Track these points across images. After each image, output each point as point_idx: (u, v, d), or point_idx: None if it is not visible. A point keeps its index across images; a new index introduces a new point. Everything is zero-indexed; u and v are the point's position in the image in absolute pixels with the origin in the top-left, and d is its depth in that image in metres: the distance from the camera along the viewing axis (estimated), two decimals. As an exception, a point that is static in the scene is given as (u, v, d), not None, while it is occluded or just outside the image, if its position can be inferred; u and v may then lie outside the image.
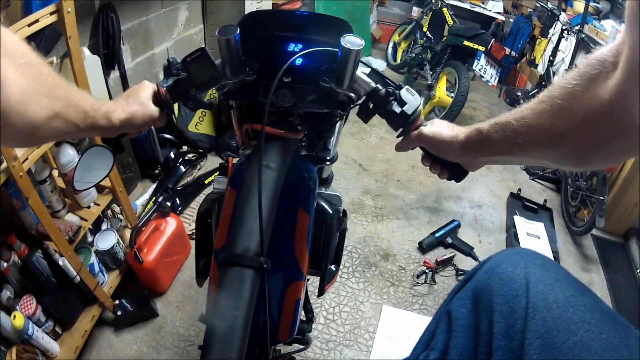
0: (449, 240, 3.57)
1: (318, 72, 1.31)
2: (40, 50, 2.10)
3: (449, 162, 1.29)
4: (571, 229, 3.95)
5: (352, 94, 1.30)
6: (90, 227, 2.60)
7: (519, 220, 3.88)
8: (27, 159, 1.88)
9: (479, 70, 5.51)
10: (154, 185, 3.65)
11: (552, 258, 3.31)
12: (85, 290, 2.44)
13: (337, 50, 1.20)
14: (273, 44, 1.36)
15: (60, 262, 2.25)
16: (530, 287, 1.08)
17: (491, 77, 5.50)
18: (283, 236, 1.35)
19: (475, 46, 5.01)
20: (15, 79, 0.74)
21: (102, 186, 2.62)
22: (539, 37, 6.26)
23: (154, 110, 1.25)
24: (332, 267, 1.76)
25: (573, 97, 0.82)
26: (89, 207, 2.53)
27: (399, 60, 6.81)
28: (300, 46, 1.31)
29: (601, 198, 3.48)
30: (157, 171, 3.79)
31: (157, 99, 1.28)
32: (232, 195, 1.37)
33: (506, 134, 1.01)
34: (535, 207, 4.12)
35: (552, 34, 5.75)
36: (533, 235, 3.73)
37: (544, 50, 6.01)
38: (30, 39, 1.82)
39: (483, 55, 5.41)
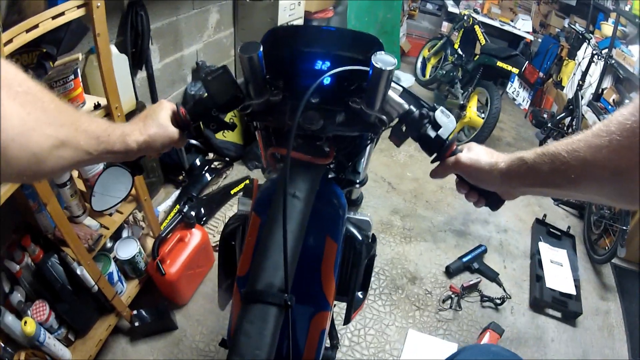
0: (476, 265, 3.50)
1: (347, 92, 1.25)
2: (64, 45, 2.01)
3: (485, 190, 1.20)
4: (592, 257, 3.91)
5: (384, 116, 1.22)
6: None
7: (543, 247, 3.82)
8: None
9: (512, 92, 5.43)
10: (177, 192, 3.59)
11: (574, 286, 3.42)
12: (102, 300, 2.36)
13: (368, 69, 1.12)
14: (299, 62, 1.28)
15: (79, 271, 2.17)
16: None
17: (523, 100, 5.46)
18: (309, 266, 1.30)
19: (510, 68, 4.92)
20: (12, 110, 0.67)
21: (122, 201, 2.48)
22: (567, 58, 6.14)
23: (173, 132, 1.17)
24: (360, 294, 1.71)
25: (632, 134, 0.75)
26: (110, 214, 2.43)
27: (428, 76, 6.71)
28: (327, 64, 1.25)
29: (624, 228, 3.46)
30: (181, 177, 3.72)
31: (176, 119, 1.20)
32: (256, 221, 1.34)
33: (555, 165, 0.91)
34: (559, 233, 4.06)
35: (583, 58, 5.61)
36: (556, 263, 3.67)
37: (573, 74, 5.89)
38: (52, 31, 1.69)
39: (517, 78, 5.31)
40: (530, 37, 6.64)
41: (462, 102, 5.29)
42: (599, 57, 4.87)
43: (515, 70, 4.92)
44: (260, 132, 1.50)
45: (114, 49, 2.72)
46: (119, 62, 2.73)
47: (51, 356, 2.12)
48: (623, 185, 0.80)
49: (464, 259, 3.51)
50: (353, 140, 1.49)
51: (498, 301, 3.24)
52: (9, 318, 1.92)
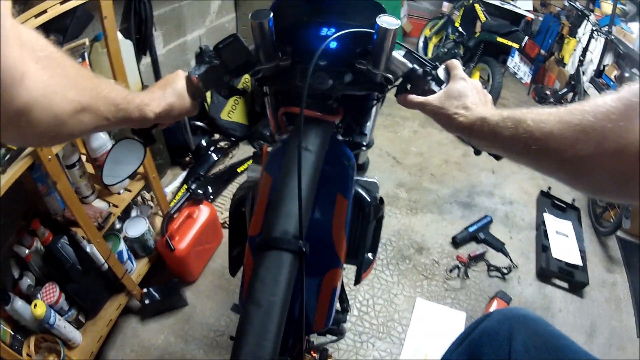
0: (482, 235, 3.49)
1: (353, 54, 1.27)
2: (69, 32, 2.04)
3: None
4: (597, 229, 3.88)
5: (390, 75, 1.25)
6: (120, 214, 2.49)
7: (548, 218, 3.80)
8: None
9: (513, 67, 5.42)
10: (184, 173, 3.60)
11: (580, 257, 3.40)
12: (112, 278, 2.37)
13: (373, 31, 1.14)
14: (306, 29, 1.31)
15: (88, 249, 2.18)
16: (513, 338, 1.17)
17: (524, 75, 5.42)
18: (321, 222, 1.30)
19: (510, 43, 4.91)
20: (36, 73, 0.67)
21: (134, 172, 2.47)
22: (568, 36, 6.11)
23: (190, 101, 1.21)
24: (369, 255, 1.72)
25: (607, 118, 0.73)
26: (119, 193, 2.43)
27: (430, 55, 6.65)
28: (333, 30, 1.27)
29: None
30: (187, 159, 3.72)
31: (190, 88, 1.22)
32: (268, 181, 1.34)
33: (518, 132, 0.88)
34: (564, 205, 4.03)
35: (582, 34, 5.60)
36: (562, 234, 3.65)
37: (573, 50, 5.87)
38: (58, 19, 1.69)
39: (517, 53, 5.29)
40: (531, 16, 6.60)
41: None
42: (599, 34, 4.85)
43: (515, 45, 4.91)
44: (270, 98, 1.52)
45: (119, 35, 2.70)
46: (124, 47, 2.68)
47: (61, 339, 2.12)
48: (585, 170, 0.78)
49: (470, 229, 3.51)
50: (360, 100, 1.52)
51: (505, 271, 3.23)
52: (19, 303, 1.92)
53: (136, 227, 2.56)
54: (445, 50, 5.90)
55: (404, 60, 1.22)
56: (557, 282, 3.27)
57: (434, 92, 1.17)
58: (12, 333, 1.93)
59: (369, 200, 1.54)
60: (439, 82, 1.17)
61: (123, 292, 2.48)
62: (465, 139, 1.09)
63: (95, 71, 2.32)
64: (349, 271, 2.68)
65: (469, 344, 1.33)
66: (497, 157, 1.16)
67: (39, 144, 1.34)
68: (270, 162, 1.39)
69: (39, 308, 1.92)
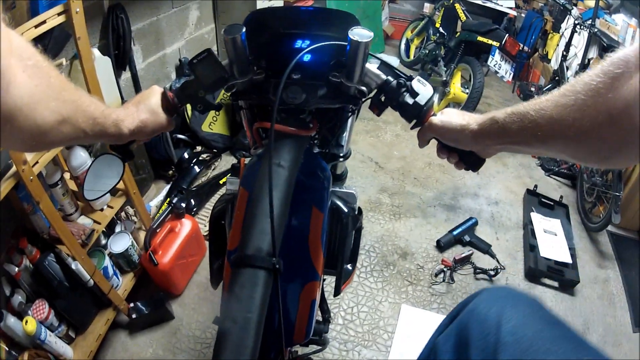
0: (467, 238, 3.54)
1: (327, 67, 1.29)
2: (48, 52, 2.09)
3: (464, 152, 1.25)
4: (587, 225, 3.93)
5: (363, 88, 1.27)
6: (104, 230, 2.56)
7: (536, 217, 3.84)
8: (37, 162, 1.84)
9: (494, 65, 5.47)
10: (168, 187, 3.62)
11: (570, 254, 3.42)
12: (99, 294, 2.42)
13: (346, 43, 1.18)
14: (280, 42, 1.35)
15: (74, 266, 2.23)
16: (502, 324, 1.12)
17: (506, 73, 5.47)
18: (297, 235, 1.34)
19: (490, 42, 4.99)
20: (23, 81, 0.70)
21: (115, 188, 2.57)
22: (551, 31, 6.19)
23: (164, 118, 1.24)
24: (349, 266, 1.74)
25: (596, 94, 0.80)
26: (102, 209, 2.49)
27: (412, 57, 6.75)
28: (307, 42, 1.30)
29: (617, 194, 3.47)
30: (170, 172, 3.75)
31: (165, 103, 1.25)
32: (244, 195, 1.36)
33: (524, 124, 0.97)
34: (552, 203, 4.08)
35: (565, 29, 5.69)
36: (550, 232, 3.69)
37: (557, 45, 5.96)
38: (37, 41, 1.79)
39: (497, 51, 5.37)
40: (513, 13, 6.68)
41: (444, 79, 5.36)
42: (582, 27, 4.92)
43: (495, 44, 5.00)
44: (245, 111, 1.55)
45: (96, 52, 2.77)
46: (103, 64, 2.80)
47: (53, 354, 2.18)
48: (587, 144, 0.85)
49: (455, 232, 3.55)
50: (335, 113, 1.55)
51: (492, 272, 3.28)
52: (11, 320, 1.98)
53: (120, 243, 2.61)
54: (427, 51, 5.99)
55: (378, 72, 1.27)
56: (547, 281, 3.32)
57: (407, 103, 1.23)
58: (7, 349, 1.98)
59: (347, 211, 1.57)
60: (414, 94, 1.23)
61: (110, 307, 2.53)
62: (475, 145, 1.17)
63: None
64: (330, 281, 2.71)
65: (457, 324, 1.30)
66: (474, 168, 1.28)
67: (23, 149, 1.39)
68: (246, 177, 1.42)
69: (30, 324, 1.98)
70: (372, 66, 1.28)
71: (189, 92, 1.28)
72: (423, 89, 1.24)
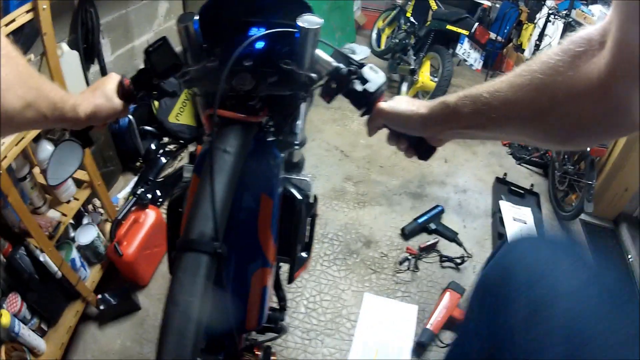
0: (433, 226, 3.58)
1: (280, 54, 1.32)
2: (20, 47, 2.16)
3: (414, 138, 1.25)
4: (559, 214, 3.94)
5: (314, 75, 1.31)
6: (72, 222, 2.66)
7: (505, 205, 3.86)
8: (5, 157, 1.91)
9: (463, 54, 5.56)
10: (136, 178, 3.67)
11: None
12: (67, 286, 2.48)
13: (294, 30, 1.23)
14: (235, 30, 1.36)
15: (42, 258, 2.30)
16: (553, 271, 0.92)
17: (475, 61, 5.56)
18: (246, 223, 1.38)
19: (459, 30, 5.04)
20: None
21: (80, 180, 2.66)
22: (526, 22, 6.27)
23: (118, 103, 1.30)
24: (303, 254, 1.77)
25: (555, 72, 0.81)
26: (68, 201, 2.57)
27: (383, 47, 6.82)
28: (262, 30, 1.31)
29: (589, 182, 3.48)
30: (138, 164, 3.80)
31: (122, 90, 1.32)
32: (196, 181, 1.37)
33: (477, 106, 0.97)
34: (522, 191, 4.11)
35: (539, 19, 5.77)
36: (519, 220, 3.71)
37: (531, 35, 6.04)
38: (9, 35, 1.89)
39: (467, 40, 5.47)
40: (487, 3, 6.70)
41: (412, 67, 5.41)
42: (556, 17, 5.03)
43: (464, 32, 5.06)
44: (199, 99, 1.58)
45: (65, 46, 2.86)
46: (70, 58, 2.90)
47: (27, 347, 2.24)
48: (546, 124, 0.86)
49: (420, 220, 3.60)
50: (287, 101, 1.52)
51: (458, 261, 3.33)
52: None
53: (87, 235, 2.69)
54: (397, 40, 6.03)
55: (329, 59, 1.31)
56: None
57: (357, 90, 1.27)
58: None
59: (300, 198, 1.58)
60: (364, 81, 1.27)
61: (79, 299, 2.60)
62: (425, 130, 1.16)
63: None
64: (287, 269, 2.74)
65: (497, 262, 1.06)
66: (425, 156, 1.29)
67: None
68: (199, 164, 1.43)
69: (4, 317, 2.05)
70: (323, 53, 1.32)
71: (144, 79, 1.34)
72: (374, 76, 1.27)
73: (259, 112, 1.36)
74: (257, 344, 1.88)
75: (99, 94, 1.25)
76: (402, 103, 1.20)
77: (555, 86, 0.81)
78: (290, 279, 1.74)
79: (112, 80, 1.31)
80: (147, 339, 2.65)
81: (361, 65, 1.30)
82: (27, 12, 1.92)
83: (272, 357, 1.85)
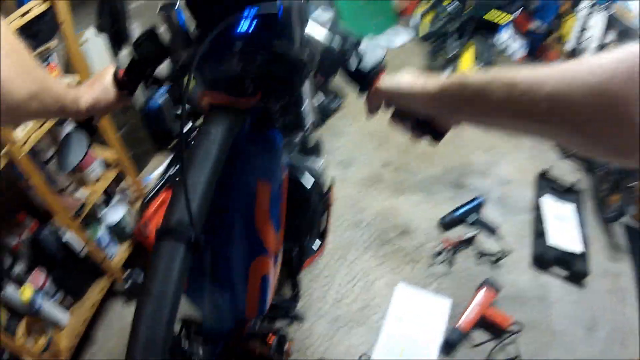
0: (472, 218, 3.48)
1: (271, 37, 1.24)
2: (39, 37, 2.25)
3: (420, 120, 1.15)
4: (601, 214, 3.75)
5: (304, 55, 1.24)
6: (105, 202, 2.72)
7: (547, 202, 3.74)
8: (26, 141, 1.94)
9: (503, 42, 5.45)
10: (169, 159, 3.62)
11: (580, 244, 3.29)
12: (94, 263, 2.54)
13: (275, 11, 1.15)
14: (224, 12, 1.25)
15: (65, 237, 2.37)
16: None
17: (516, 51, 5.45)
18: (242, 209, 1.36)
19: (499, 18, 4.90)
20: (3, 59, 0.79)
21: (108, 161, 2.71)
22: (569, 12, 6.18)
23: (115, 94, 1.35)
24: (314, 245, 1.76)
25: (610, 82, 0.66)
26: (97, 181, 2.61)
27: (424, 32, 6.65)
28: (253, 11, 1.22)
29: (630, 185, 3.35)
30: (171, 145, 3.84)
31: (117, 81, 1.35)
32: None
33: (513, 95, 0.79)
34: (565, 188, 3.94)
35: (579, 11, 5.64)
36: (561, 219, 3.58)
37: (572, 27, 5.92)
38: (27, 27, 1.98)
39: (508, 27, 5.35)
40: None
41: (450, 55, 5.33)
42: (597, 10, 4.90)
43: (506, 19, 4.89)
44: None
45: (91, 32, 2.99)
46: (98, 43, 3.01)
47: (49, 320, 2.32)
48: (597, 134, 0.71)
49: (459, 212, 3.51)
50: (282, 84, 1.44)
51: (496, 257, 3.23)
52: (10, 289, 2.14)
53: (115, 214, 2.73)
54: (438, 26, 5.95)
55: (319, 39, 1.26)
56: (555, 270, 3.23)
57: (351, 70, 1.24)
58: (8, 317, 2.17)
59: (309, 187, 1.57)
60: (359, 59, 1.24)
61: (105, 275, 2.67)
62: (432, 109, 1.05)
63: (70, 69, 2.53)
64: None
65: None
66: (435, 140, 1.17)
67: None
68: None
69: (26, 292, 2.13)
70: (315, 32, 1.27)
71: (136, 70, 1.38)
72: (370, 54, 1.24)
73: (250, 96, 1.32)
74: (266, 331, 1.86)
75: (97, 86, 1.31)
76: (406, 77, 1.12)
77: (612, 95, 0.66)
78: (297, 269, 1.75)
79: (110, 72, 1.36)
80: (173, 317, 2.63)
81: (357, 43, 1.26)
82: (43, 1, 2.01)
83: (286, 345, 1.84)
